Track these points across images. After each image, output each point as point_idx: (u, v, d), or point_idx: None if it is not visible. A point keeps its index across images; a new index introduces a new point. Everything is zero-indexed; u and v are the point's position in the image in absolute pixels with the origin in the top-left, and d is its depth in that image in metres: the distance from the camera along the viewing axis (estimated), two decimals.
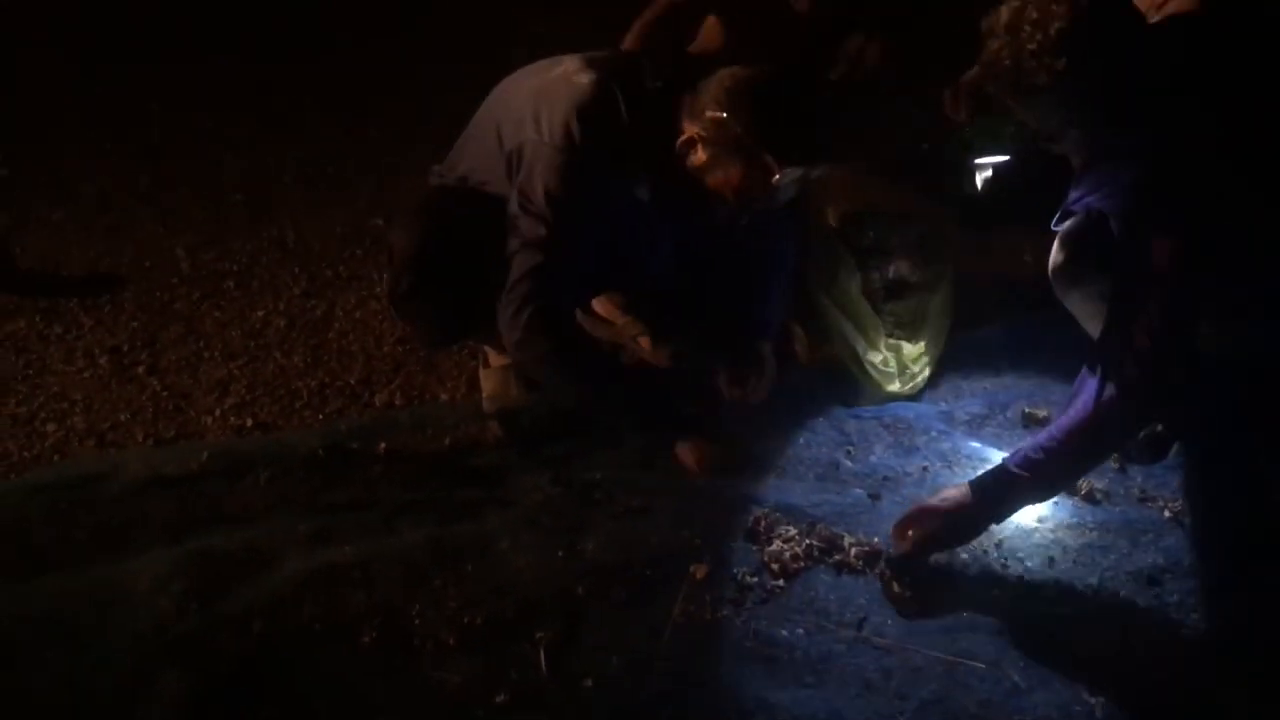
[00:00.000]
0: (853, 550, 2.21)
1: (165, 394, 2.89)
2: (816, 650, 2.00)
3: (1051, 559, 2.21)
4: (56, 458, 2.65)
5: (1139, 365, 1.92)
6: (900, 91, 2.66)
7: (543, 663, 1.98)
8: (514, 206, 2.17)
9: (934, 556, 2.16)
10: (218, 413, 2.82)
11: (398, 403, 2.85)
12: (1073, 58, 1.77)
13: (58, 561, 2.23)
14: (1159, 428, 2.43)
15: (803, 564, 2.19)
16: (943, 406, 2.72)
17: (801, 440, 2.57)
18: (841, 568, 2.19)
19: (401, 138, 4.31)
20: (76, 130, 4.53)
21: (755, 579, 2.15)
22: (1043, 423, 2.56)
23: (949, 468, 2.48)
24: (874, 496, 2.40)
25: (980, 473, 2.14)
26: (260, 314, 3.26)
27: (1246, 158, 1.90)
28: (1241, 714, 1.90)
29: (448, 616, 2.07)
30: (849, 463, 2.51)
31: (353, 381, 2.93)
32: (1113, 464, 2.41)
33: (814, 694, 1.92)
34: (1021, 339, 2.87)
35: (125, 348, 3.09)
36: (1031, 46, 1.79)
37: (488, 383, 2.72)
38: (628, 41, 2.74)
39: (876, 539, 2.25)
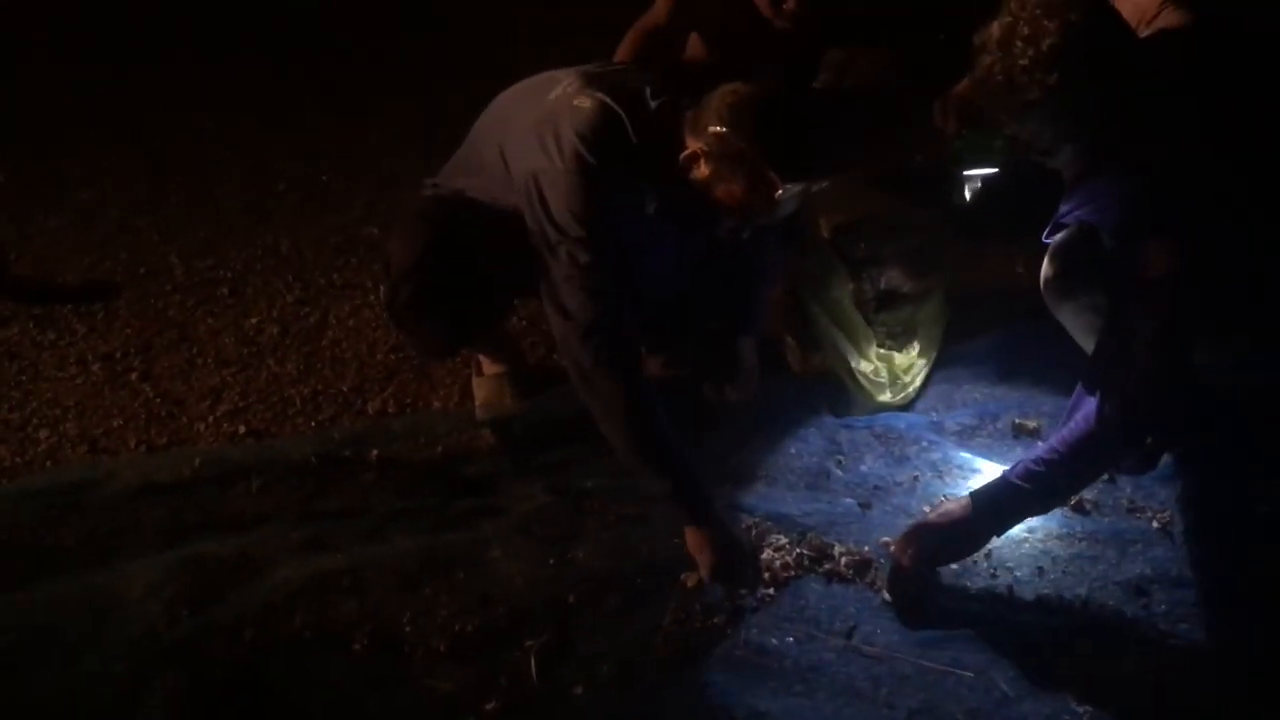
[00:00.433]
0: (843, 559, 2.22)
1: (158, 401, 2.89)
2: (806, 659, 2.01)
3: (1041, 569, 2.21)
4: (49, 464, 2.65)
5: (1139, 381, 1.94)
6: (891, 103, 2.68)
7: (534, 670, 1.99)
8: (551, 238, 2.09)
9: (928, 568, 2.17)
10: (210, 419, 2.82)
11: (390, 410, 2.85)
12: (1065, 73, 1.79)
13: (50, 568, 2.23)
14: (1148, 439, 2.44)
15: (793, 573, 2.20)
16: (933, 417, 2.73)
17: (792, 449, 2.58)
18: (832, 577, 2.20)
19: (398, 144, 4.30)
20: (74, 135, 4.53)
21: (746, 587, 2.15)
22: (1033, 433, 2.57)
23: (939, 478, 2.49)
24: (864, 506, 2.40)
25: (971, 483, 2.14)
26: (254, 321, 3.26)
27: (1240, 170, 1.91)
28: None
29: (439, 624, 2.08)
30: (840, 472, 2.52)
31: (346, 389, 2.94)
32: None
33: (804, 702, 1.93)
34: (1012, 350, 2.87)
35: (118, 354, 3.09)
36: (1024, 62, 1.80)
37: (481, 391, 2.73)
38: (618, 57, 2.75)
39: (867, 548, 2.26)
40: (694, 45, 2.81)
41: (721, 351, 2.52)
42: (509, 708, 1.92)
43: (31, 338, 3.16)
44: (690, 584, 2.15)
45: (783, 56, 2.57)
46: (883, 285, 2.87)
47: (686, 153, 2.11)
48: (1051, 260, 2.27)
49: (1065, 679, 1.97)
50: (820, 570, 2.21)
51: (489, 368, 2.72)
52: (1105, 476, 2.42)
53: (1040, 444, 2.12)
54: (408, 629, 2.07)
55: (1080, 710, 1.91)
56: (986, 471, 2.40)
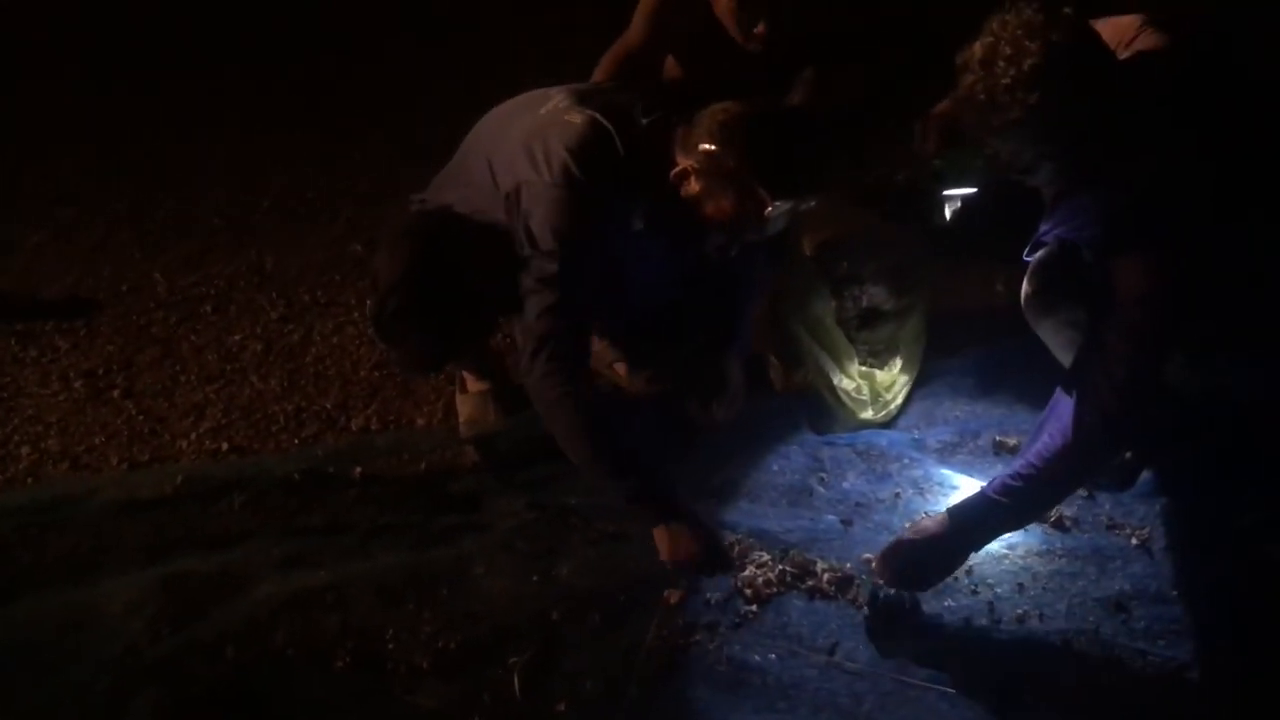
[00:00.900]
0: (825, 576, 2.23)
1: (140, 417, 2.89)
2: (789, 675, 2.02)
3: (1021, 585, 2.23)
4: (30, 480, 2.64)
5: (1116, 394, 1.96)
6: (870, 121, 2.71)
7: (517, 687, 1.99)
8: (525, 249, 2.14)
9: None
10: (193, 436, 2.81)
11: (374, 427, 2.85)
12: (1047, 92, 1.81)
13: (30, 585, 2.23)
14: (1127, 455, 2.46)
15: (775, 589, 2.20)
16: (915, 434, 2.74)
17: (775, 466, 2.59)
18: (814, 593, 2.21)
19: (384, 161, 4.31)
20: (56, 151, 4.52)
21: (728, 604, 2.17)
22: (1014, 451, 2.58)
23: (921, 494, 2.50)
24: (846, 522, 2.41)
25: (952, 499, 2.15)
26: (237, 338, 3.26)
27: (1219, 188, 1.94)
28: None
29: (422, 641, 2.08)
30: (822, 489, 2.53)
31: (329, 406, 2.93)
32: (1081, 491, 2.43)
33: (786, 718, 1.93)
34: (993, 368, 2.89)
35: (101, 371, 3.08)
36: (1005, 81, 1.82)
37: (464, 408, 2.73)
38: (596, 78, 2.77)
39: (849, 564, 2.26)
40: (670, 68, 2.83)
41: (708, 369, 2.53)
42: None
43: (13, 354, 3.15)
44: (673, 601, 2.16)
45: (756, 77, 2.60)
46: (864, 303, 2.88)
47: (677, 170, 2.13)
48: (1032, 277, 2.29)
49: (1046, 695, 1.98)
50: (802, 587, 2.22)
51: (473, 385, 2.73)
52: (1084, 493, 2.44)
53: (1016, 459, 2.14)
54: (391, 646, 2.06)
55: None
56: (967, 488, 2.41)
